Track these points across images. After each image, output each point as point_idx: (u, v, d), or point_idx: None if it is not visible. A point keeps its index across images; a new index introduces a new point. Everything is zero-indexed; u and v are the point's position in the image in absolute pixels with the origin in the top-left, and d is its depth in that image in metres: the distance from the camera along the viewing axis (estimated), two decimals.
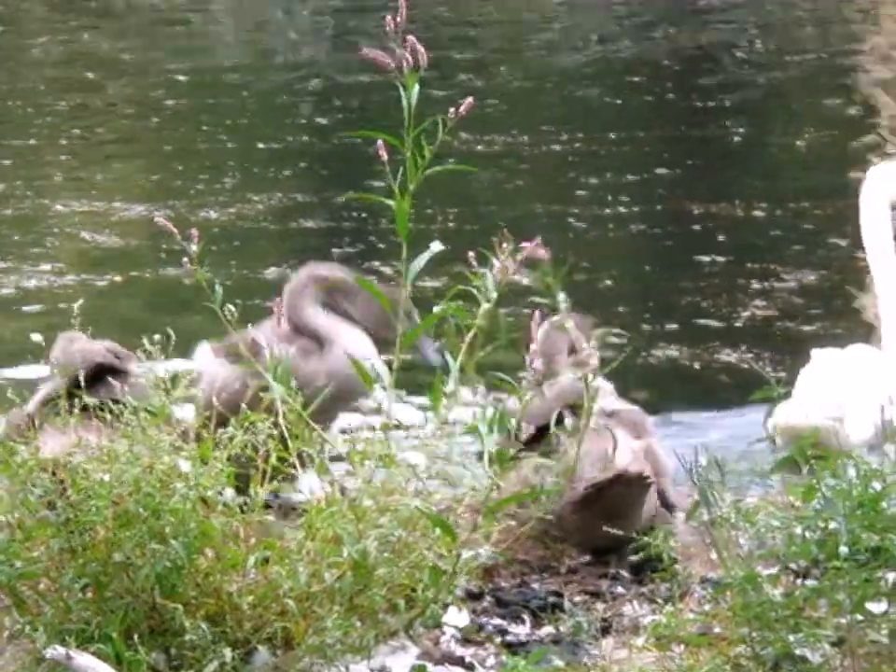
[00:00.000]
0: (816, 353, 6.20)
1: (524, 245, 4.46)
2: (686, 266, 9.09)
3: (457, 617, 4.41)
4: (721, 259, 9.33)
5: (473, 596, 4.55)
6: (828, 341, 7.32)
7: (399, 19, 4.51)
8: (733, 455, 4.27)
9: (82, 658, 3.94)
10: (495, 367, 4.44)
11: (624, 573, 4.74)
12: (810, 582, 4.13)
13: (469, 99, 4.50)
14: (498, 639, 4.38)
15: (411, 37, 4.49)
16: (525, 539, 4.77)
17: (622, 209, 10.17)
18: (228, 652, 4.02)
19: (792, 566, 4.22)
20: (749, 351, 7.79)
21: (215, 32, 16.45)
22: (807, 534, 4.05)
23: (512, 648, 4.34)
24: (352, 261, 5.66)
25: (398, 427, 4.59)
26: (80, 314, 4.43)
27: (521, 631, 4.43)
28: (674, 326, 7.95)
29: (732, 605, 4.03)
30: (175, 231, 4.56)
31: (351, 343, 5.26)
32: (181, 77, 14.31)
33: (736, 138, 12.11)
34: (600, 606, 4.56)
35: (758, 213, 10.23)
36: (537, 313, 4.29)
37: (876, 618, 3.96)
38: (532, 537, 4.77)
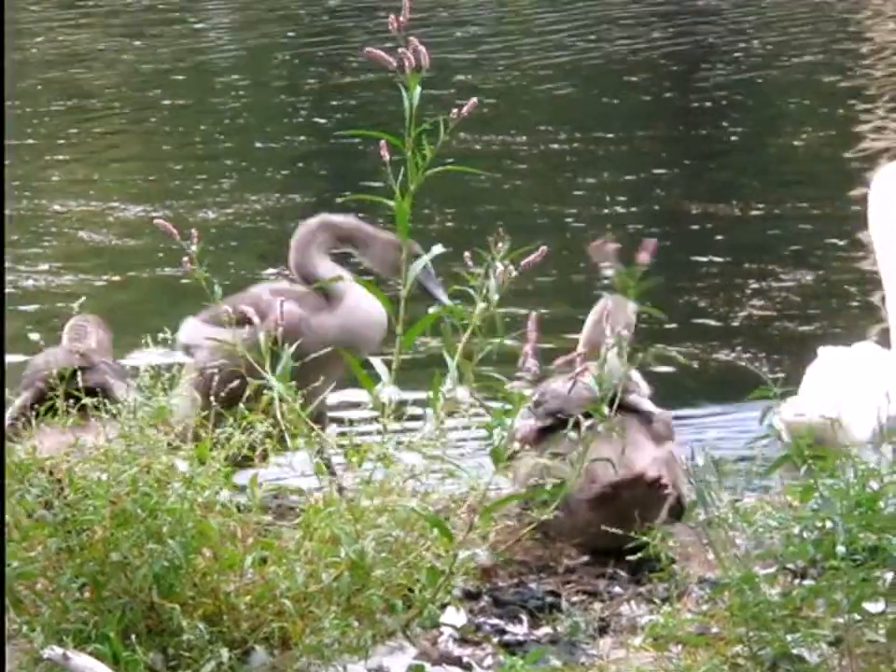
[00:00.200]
0: (823, 351, 6.23)
1: (527, 256, 4.45)
2: (684, 266, 9.09)
3: (455, 617, 4.41)
4: (718, 258, 9.33)
5: (471, 596, 4.55)
6: (825, 340, 7.33)
7: (402, 18, 4.51)
8: (730, 455, 4.27)
9: (79, 658, 3.94)
10: (490, 368, 4.44)
11: (622, 573, 4.74)
12: (808, 582, 4.13)
13: (473, 100, 4.50)
14: (496, 639, 4.38)
15: (413, 38, 4.49)
16: (524, 539, 4.77)
17: (619, 209, 10.17)
18: (225, 652, 4.02)
19: (790, 566, 4.22)
20: (747, 350, 7.79)
21: (213, 32, 16.44)
22: (805, 534, 4.05)
23: (510, 648, 4.34)
24: (352, 262, 5.65)
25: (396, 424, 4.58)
26: (79, 312, 4.42)
27: (518, 631, 4.43)
28: (672, 325, 7.95)
29: (729, 605, 4.03)
30: (175, 231, 4.56)
31: (360, 295, 5.25)
32: (179, 77, 14.31)
33: (734, 138, 12.11)
34: (598, 606, 4.56)
35: (756, 213, 10.23)
36: (532, 314, 4.29)
37: (874, 617, 3.96)
38: (531, 538, 4.77)
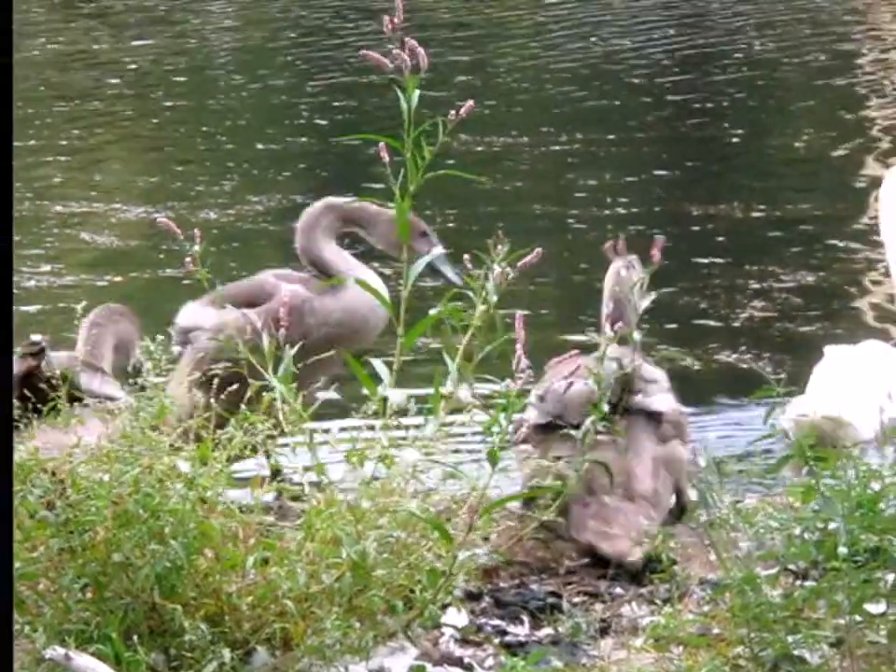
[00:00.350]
0: (829, 350, 6.26)
1: (525, 257, 4.45)
2: (685, 267, 9.08)
3: (456, 618, 4.41)
4: (719, 259, 9.33)
5: (472, 597, 4.55)
6: (827, 341, 7.33)
7: (396, 20, 4.51)
8: (732, 456, 4.27)
9: (82, 658, 3.94)
10: (490, 369, 4.44)
11: (623, 574, 4.74)
12: (809, 583, 4.14)
13: (470, 102, 4.51)
14: (497, 640, 4.39)
15: (410, 39, 4.49)
16: (525, 539, 4.77)
17: (620, 210, 10.16)
18: (227, 653, 4.02)
19: (791, 567, 4.23)
20: (748, 351, 7.79)
21: (214, 33, 16.44)
22: (806, 535, 4.06)
23: (511, 648, 4.34)
24: (355, 245, 5.67)
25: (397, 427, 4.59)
26: (83, 314, 4.43)
27: (520, 632, 4.43)
28: (672, 326, 7.95)
29: (731, 606, 4.04)
30: (178, 231, 4.57)
31: (367, 280, 5.25)
32: (180, 79, 14.31)
33: (735, 139, 12.11)
34: (599, 607, 4.56)
35: (756, 214, 10.23)
36: (518, 314, 4.29)
37: (875, 619, 3.96)
38: (531, 538, 4.77)
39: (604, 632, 4.41)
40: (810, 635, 3.93)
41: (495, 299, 4.47)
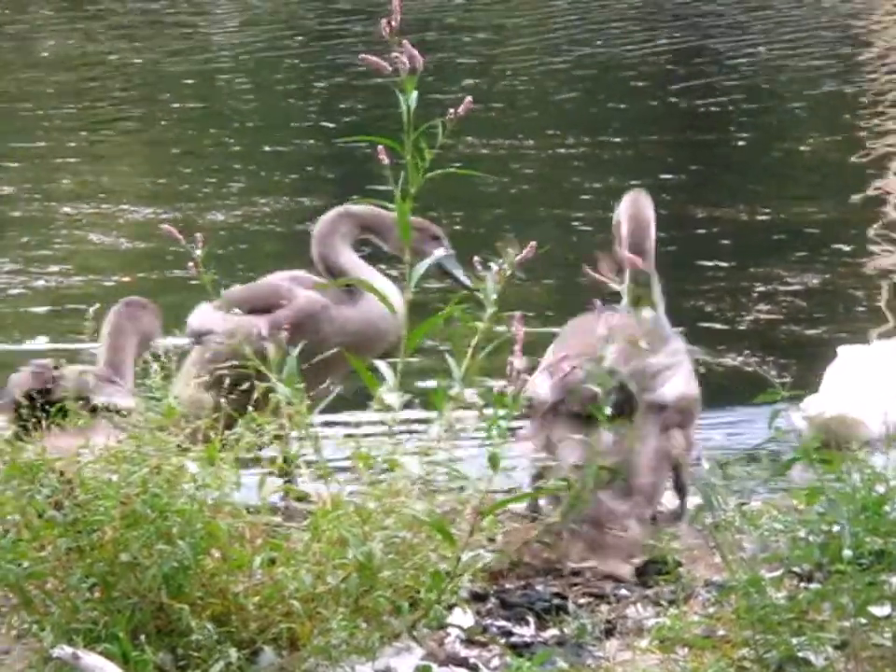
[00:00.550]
0: (843, 349, 6.29)
1: (523, 251, 4.48)
2: (690, 270, 9.10)
3: (462, 618, 4.42)
4: (724, 262, 9.35)
5: (478, 598, 4.56)
6: (832, 344, 7.34)
7: (393, 23, 4.53)
8: (737, 459, 4.28)
9: (89, 658, 3.96)
10: (496, 370, 4.46)
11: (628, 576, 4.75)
12: (814, 586, 4.15)
13: (468, 99, 4.51)
14: (503, 641, 4.39)
15: (405, 41, 4.50)
16: (530, 540, 4.79)
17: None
18: (233, 653, 4.03)
19: (796, 569, 4.24)
20: (754, 354, 7.80)
21: (221, 35, 16.47)
22: (811, 537, 4.07)
23: (517, 649, 4.35)
24: (370, 254, 5.70)
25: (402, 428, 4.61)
26: (94, 317, 4.45)
27: (525, 632, 4.44)
28: (678, 329, 7.97)
29: (736, 608, 4.05)
30: (181, 237, 4.58)
31: (382, 289, 5.27)
32: (188, 81, 14.33)
33: (740, 143, 12.12)
34: (604, 608, 4.57)
35: (762, 217, 10.24)
36: (517, 314, 4.31)
37: (880, 621, 3.98)
38: (538, 540, 4.78)
39: (609, 633, 4.42)
40: (815, 637, 3.94)
41: (493, 297, 4.48)
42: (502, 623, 4.47)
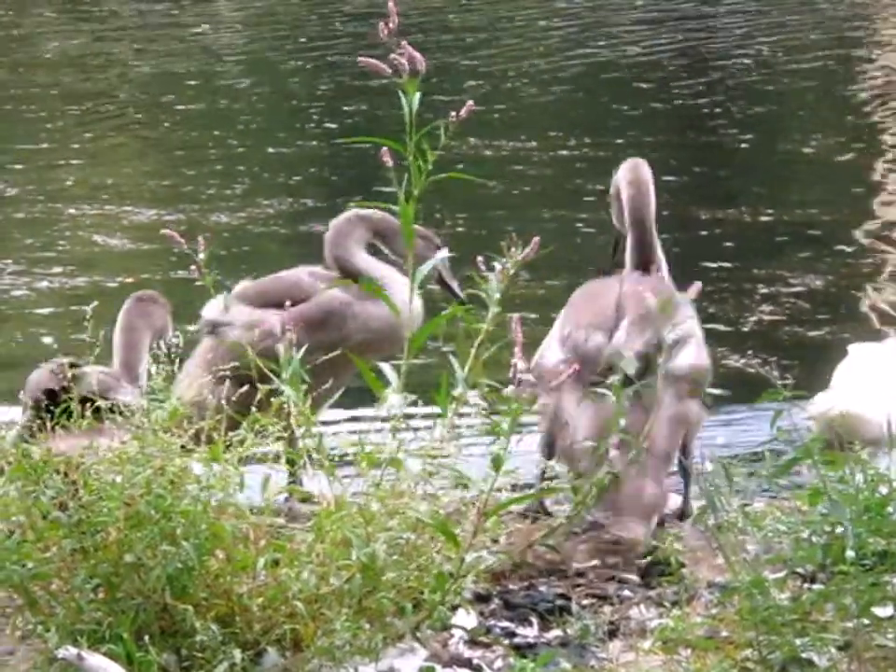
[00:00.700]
0: (853, 347, 6.31)
1: (526, 250, 4.49)
2: (693, 271, 9.10)
3: (466, 619, 4.43)
4: (727, 263, 9.35)
5: (481, 599, 4.57)
6: (835, 345, 7.34)
7: (391, 25, 4.53)
8: (740, 459, 4.29)
9: (94, 658, 3.96)
10: (500, 370, 4.47)
11: (632, 577, 4.75)
12: (817, 587, 4.15)
13: (470, 102, 4.52)
14: (506, 642, 4.40)
15: (405, 43, 4.51)
16: (533, 541, 4.79)
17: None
18: (237, 654, 4.04)
19: (799, 570, 4.24)
20: (756, 356, 7.81)
21: (225, 37, 16.48)
22: (814, 538, 4.07)
23: (520, 650, 4.36)
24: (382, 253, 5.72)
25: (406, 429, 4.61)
26: (93, 316, 4.45)
27: (529, 633, 4.45)
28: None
29: (739, 609, 4.05)
30: (182, 240, 4.59)
31: (402, 287, 5.29)
32: (191, 82, 14.34)
33: (743, 144, 12.12)
34: (607, 609, 4.57)
35: (764, 218, 10.24)
36: (515, 316, 4.32)
37: (883, 622, 3.98)
38: (542, 542, 4.79)
39: (612, 634, 4.43)
40: (818, 638, 3.95)
41: (497, 296, 4.49)
42: (506, 623, 4.47)
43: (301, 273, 5.50)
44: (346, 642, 4.08)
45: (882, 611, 3.99)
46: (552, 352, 4.93)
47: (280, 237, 10.00)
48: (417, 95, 4.52)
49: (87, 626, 4.06)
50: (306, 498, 4.87)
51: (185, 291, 7.89)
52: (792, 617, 3.96)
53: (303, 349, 4.49)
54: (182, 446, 4.19)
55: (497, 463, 4.24)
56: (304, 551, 4.18)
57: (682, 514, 5.13)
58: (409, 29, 4.65)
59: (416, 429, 4.54)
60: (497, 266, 4.48)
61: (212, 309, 5.38)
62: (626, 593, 4.65)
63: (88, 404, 4.42)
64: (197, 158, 11.78)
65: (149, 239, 9.89)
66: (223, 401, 4.56)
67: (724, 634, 4.25)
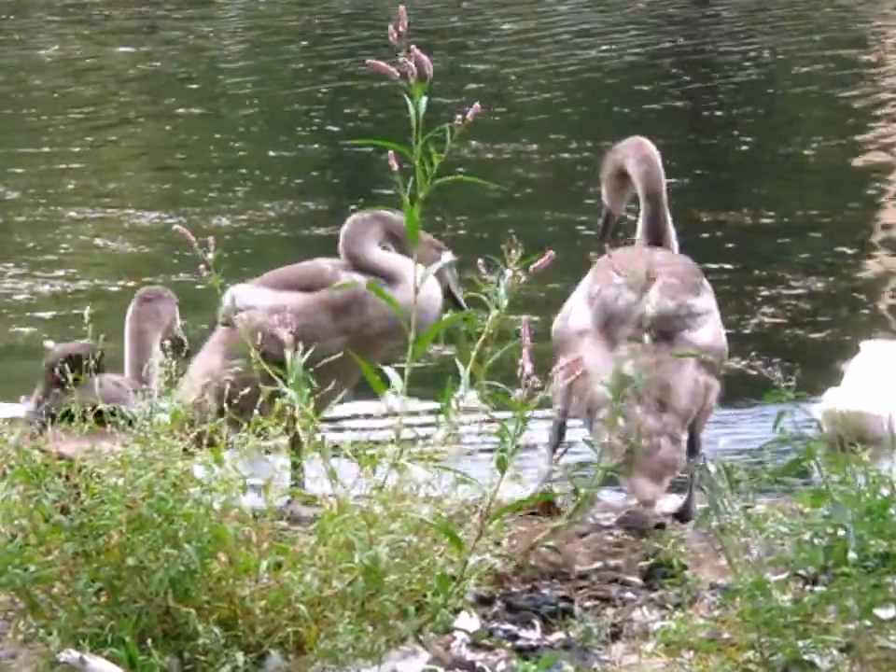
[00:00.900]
0: (865, 344, 6.33)
1: (538, 260, 4.50)
2: None
3: (468, 622, 4.43)
4: (729, 266, 9.35)
5: (484, 602, 4.57)
6: (836, 347, 7.34)
7: (401, 28, 4.54)
8: (742, 461, 4.29)
9: (96, 662, 3.96)
10: (503, 373, 4.47)
11: (634, 579, 4.76)
12: (819, 588, 4.15)
13: (476, 105, 4.53)
14: (509, 644, 4.40)
15: (414, 47, 4.52)
16: (536, 544, 4.79)
17: (630, 217, 10.18)
18: (240, 657, 4.04)
19: (801, 572, 4.24)
20: (758, 357, 7.81)
21: (226, 41, 16.49)
22: (816, 540, 4.07)
23: (523, 653, 4.36)
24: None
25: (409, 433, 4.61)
26: (93, 319, 4.45)
27: (531, 636, 4.45)
28: None
29: (741, 611, 4.05)
30: (193, 239, 4.60)
31: (426, 284, 5.31)
32: (193, 86, 14.35)
33: (744, 146, 12.12)
34: (610, 611, 4.57)
35: (766, 220, 10.24)
36: (524, 319, 4.33)
37: (885, 624, 3.98)
38: (544, 544, 4.79)
39: (615, 636, 4.43)
40: (820, 640, 3.95)
41: (505, 303, 4.50)
42: (508, 626, 4.48)
43: (324, 263, 5.54)
44: (349, 645, 4.08)
45: (884, 613, 3.99)
46: (577, 313, 5.01)
47: (282, 240, 10.00)
48: (424, 99, 4.52)
49: (89, 630, 4.06)
50: (309, 501, 4.87)
51: (187, 294, 7.88)
52: (794, 619, 3.96)
53: (308, 353, 4.49)
54: (184, 449, 4.20)
55: (501, 465, 4.24)
56: (307, 553, 4.18)
57: (685, 516, 5.13)
58: (409, 32, 4.64)
59: (418, 429, 4.55)
60: (508, 273, 4.49)
61: (236, 296, 5.40)
62: (629, 595, 4.65)
63: (90, 408, 4.42)
64: (198, 161, 11.78)
65: (151, 242, 9.90)
66: (225, 404, 4.56)
67: (726, 636, 4.25)
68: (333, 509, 4.26)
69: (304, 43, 16.19)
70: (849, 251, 9.62)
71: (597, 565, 4.82)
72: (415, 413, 4.56)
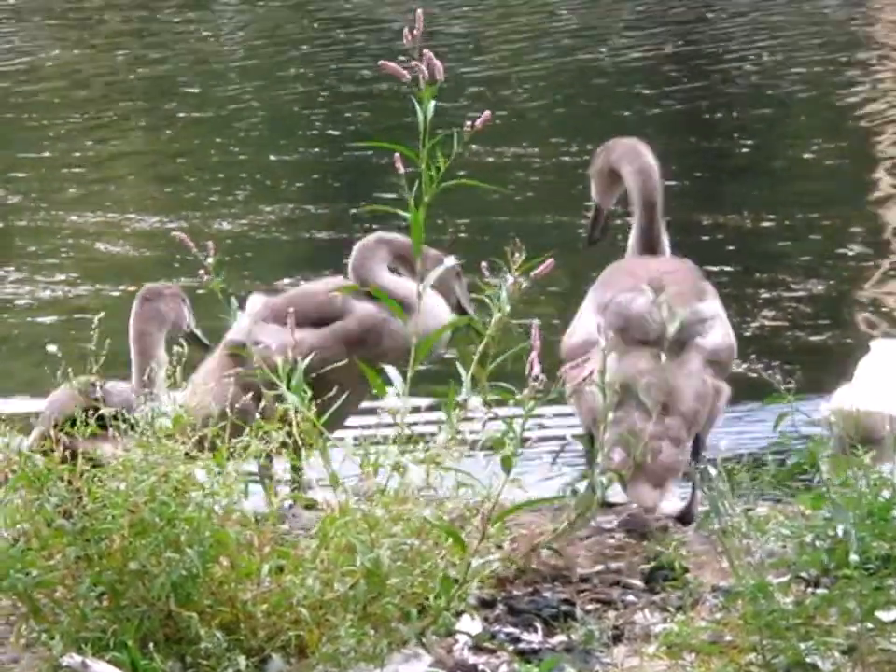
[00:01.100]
0: (876, 343, 6.34)
1: (538, 266, 4.50)
2: None
3: (470, 625, 4.43)
4: (729, 269, 9.35)
5: (486, 605, 4.57)
6: (837, 350, 7.35)
7: (416, 32, 4.55)
8: (743, 464, 4.29)
9: (98, 666, 3.97)
10: (505, 376, 4.47)
11: (636, 582, 4.76)
12: (821, 591, 4.16)
13: (487, 112, 4.54)
14: (511, 647, 4.40)
15: (427, 51, 4.53)
16: (538, 547, 4.80)
17: (631, 220, 10.18)
18: (242, 661, 4.04)
19: (803, 574, 4.25)
20: (759, 360, 7.81)
21: (227, 44, 16.50)
22: (818, 543, 4.08)
23: (525, 656, 4.36)
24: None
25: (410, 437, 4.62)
26: (99, 325, 4.45)
27: (533, 639, 4.45)
28: None
29: (743, 613, 4.05)
30: (192, 245, 4.60)
31: (433, 302, 5.33)
32: (193, 90, 14.36)
33: (745, 149, 12.13)
34: (612, 614, 4.57)
35: (766, 223, 10.25)
36: (535, 322, 4.34)
37: (887, 626, 3.98)
38: (546, 547, 4.79)
39: (617, 639, 4.43)
40: (822, 642, 3.95)
41: (507, 308, 4.50)
42: (510, 629, 4.48)
43: (329, 286, 5.50)
44: (351, 648, 4.08)
45: (886, 615, 3.99)
46: (585, 325, 5.04)
47: (282, 244, 10.01)
48: (432, 103, 4.53)
49: (91, 634, 4.06)
50: (310, 505, 4.88)
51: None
52: (796, 621, 3.96)
53: (308, 359, 4.49)
54: (186, 453, 4.20)
55: (506, 464, 4.25)
56: (309, 557, 4.18)
57: (686, 519, 5.14)
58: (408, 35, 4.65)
59: (420, 429, 4.55)
60: (510, 279, 4.50)
61: (238, 330, 5.28)
62: (631, 598, 4.65)
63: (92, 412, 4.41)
64: (199, 165, 11.79)
65: (152, 246, 9.90)
66: (228, 408, 4.56)
67: (728, 638, 4.25)
68: (335, 512, 4.26)
69: (304, 47, 16.19)
70: (850, 253, 9.63)
71: (599, 567, 4.82)
72: (417, 410, 4.55)
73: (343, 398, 4.76)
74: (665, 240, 5.40)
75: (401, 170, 4.54)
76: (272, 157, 11.92)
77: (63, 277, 9.30)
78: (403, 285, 5.45)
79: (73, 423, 4.39)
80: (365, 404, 5.49)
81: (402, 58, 4.63)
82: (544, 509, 5.05)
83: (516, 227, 9.69)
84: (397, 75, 4.55)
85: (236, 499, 4.16)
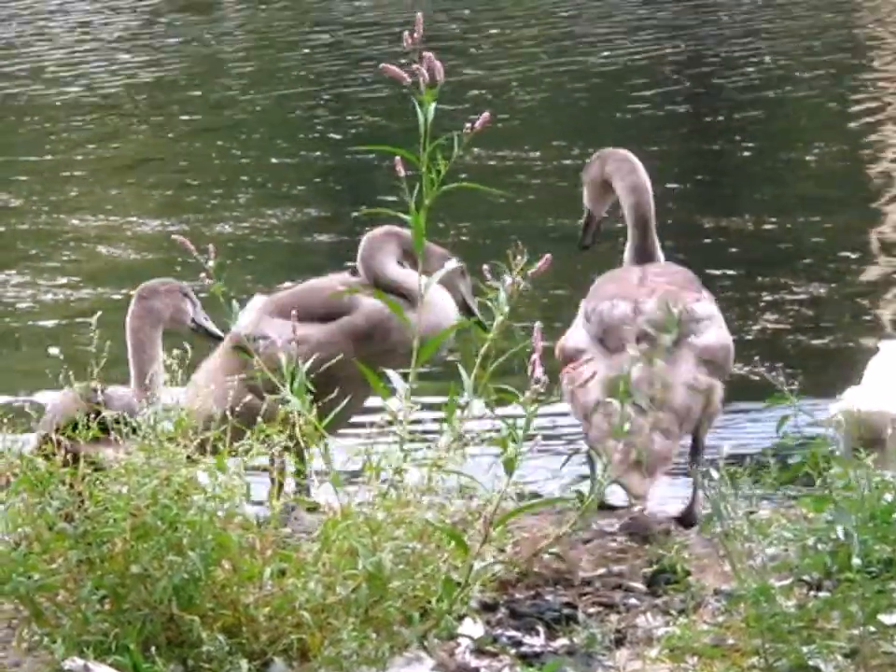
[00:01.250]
0: (884, 343, 6.34)
1: (537, 265, 4.51)
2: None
3: (472, 628, 4.43)
4: (731, 271, 9.35)
5: (488, 608, 4.57)
6: (838, 353, 7.34)
7: (416, 35, 4.55)
8: (745, 467, 4.29)
9: (100, 669, 3.97)
10: (507, 378, 4.47)
11: (638, 585, 4.76)
12: (823, 594, 4.16)
13: (486, 114, 4.54)
14: (513, 651, 4.40)
15: (428, 54, 4.53)
16: (540, 550, 4.79)
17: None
18: (244, 664, 4.04)
19: (805, 577, 4.25)
20: (761, 363, 7.81)
21: (228, 48, 16.51)
22: (820, 546, 4.07)
23: (527, 659, 4.36)
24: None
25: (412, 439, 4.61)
26: (98, 327, 4.45)
27: (535, 642, 4.45)
28: None
29: (745, 616, 4.05)
30: (193, 248, 4.60)
31: (439, 296, 5.34)
32: (195, 93, 14.36)
33: (746, 152, 12.13)
34: (614, 617, 4.57)
35: (768, 226, 10.24)
36: (537, 324, 4.34)
37: (889, 629, 3.98)
38: (548, 550, 4.79)
39: (619, 642, 4.43)
40: (825, 645, 3.95)
41: (507, 309, 4.50)
42: (512, 633, 4.48)
43: (335, 283, 5.51)
44: (353, 652, 4.08)
45: (888, 619, 3.99)
46: (575, 334, 5.10)
47: (284, 247, 10.01)
48: (433, 106, 4.54)
49: (93, 637, 4.06)
50: (312, 508, 4.87)
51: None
52: (799, 624, 3.96)
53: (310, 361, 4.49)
54: (188, 456, 4.20)
55: (509, 465, 4.24)
56: (311, 560, 4.18)
57: (688, 520, 5.14)
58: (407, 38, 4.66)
59: (422, 430, 4.55)
60: (508, 280, 4.50)
61: (245, 324, 5.28)
62: (633, 601, 4.65)
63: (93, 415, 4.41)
64: (200, 168, 11.79)
65: (154, 250, 9.90)
66: (228, 412, 4.56)
67: (731, 641, 4.25)
68: (337, 515, 4.26)
69: (306, 50, 16.20)
70: (852, 256, 9.62)
71: (601, 571, 4.82)
72: (419, 412, 4.55)
73: (347, 398, 4.76)
74: (661, 256, 5.46)
75: (402, 173, 4.54)
76: (273, 160, 11.92)
77: (64, 280, 9.30)
78: (412, 278, 5.46)
79: (75, 426, 4.39)
80: (368, 404, 5.49)
81: (403, 61, 4.63)
82: (546, 512, 5.05)
83: (517, 230, 9.69)
84: (397, 78, 4.55)
85: (238, 503, 4.15)
